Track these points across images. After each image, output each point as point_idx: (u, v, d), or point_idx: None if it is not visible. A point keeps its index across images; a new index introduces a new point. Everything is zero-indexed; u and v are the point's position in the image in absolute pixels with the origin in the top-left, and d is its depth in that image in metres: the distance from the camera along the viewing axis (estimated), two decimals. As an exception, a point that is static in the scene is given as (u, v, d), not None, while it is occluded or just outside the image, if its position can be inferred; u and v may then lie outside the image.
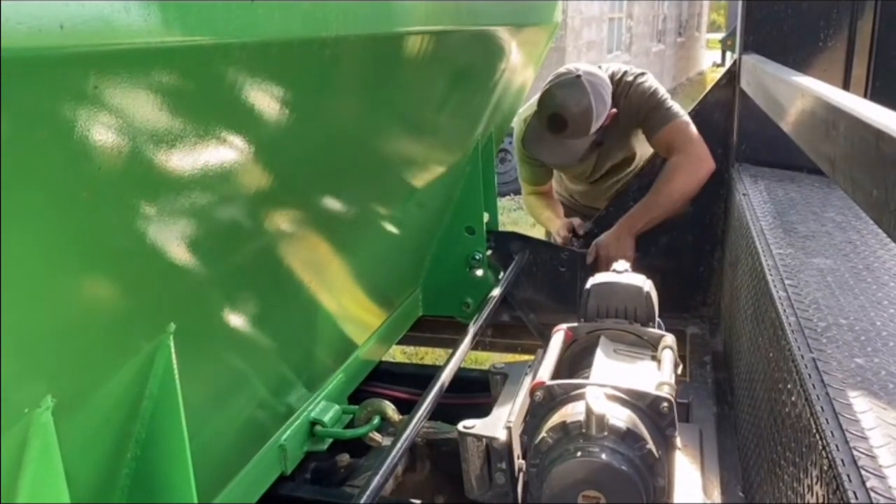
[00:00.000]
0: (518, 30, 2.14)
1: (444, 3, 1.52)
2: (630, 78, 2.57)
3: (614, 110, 2.51)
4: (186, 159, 0.87)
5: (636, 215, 2.51)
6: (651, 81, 2.57)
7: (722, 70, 2.70)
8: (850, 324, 1.18)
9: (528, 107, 2.73)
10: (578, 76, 2.44)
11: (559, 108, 2.44)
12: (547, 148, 2.55)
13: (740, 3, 2.45)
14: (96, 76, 0.66)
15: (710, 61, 25.82)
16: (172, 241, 0.92)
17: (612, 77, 2.57)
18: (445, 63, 1.72)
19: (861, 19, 2.25)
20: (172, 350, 0.94)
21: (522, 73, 2.44)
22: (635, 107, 2.54)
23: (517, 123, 2.76)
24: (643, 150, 2.70)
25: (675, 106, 2.51)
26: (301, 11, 0.93)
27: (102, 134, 0.71)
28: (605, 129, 2.54)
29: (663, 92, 2.55)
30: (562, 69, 2.54)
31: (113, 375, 0.89)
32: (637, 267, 1.62)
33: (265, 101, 0.99)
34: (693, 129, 2.45)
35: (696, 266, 2.60)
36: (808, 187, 2.11)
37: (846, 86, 2.26)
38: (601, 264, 2.42)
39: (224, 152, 0.95)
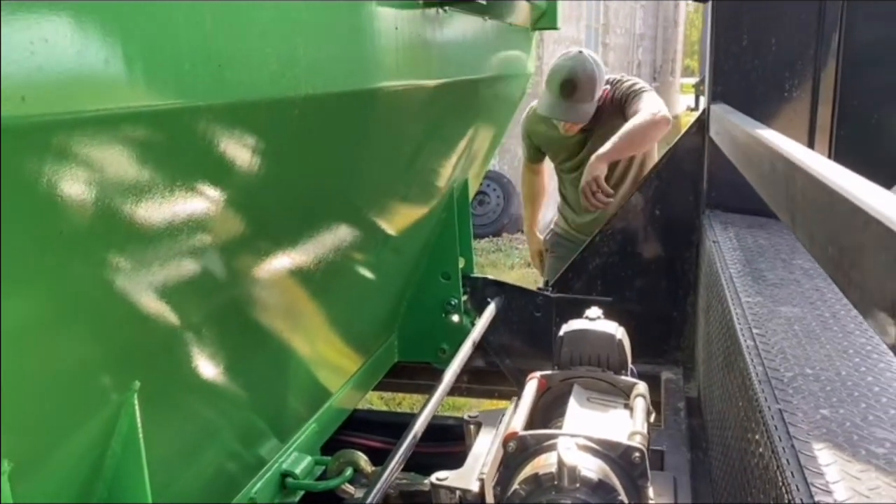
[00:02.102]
0: (492, 80, 2.18)
1: (416, 57, 1.54)
2: (623, 80, 3.05)
3: (607, 87, 2.97)
4: (153, 217, 0.87)
5: (605, 147, 2.78)
6: (638, 80, 3.05)
7: (696, 114, 2.86)
8: (815, 374, 1.19)
9: (531, 106, 3.20)
10: (580, 51, 2.98)
11: (570, 74, 2.88)
12: (559, 109, 2.97)
13: (707, 55, 2.51)
14: (59, 141, 0.66)
15: (684, 105, 26.33)
16: (138, 296, 0.92)
17: (608, 82, 3.02)
18: (419, 114, 1.74)
19: (824, 70, 2.32)
20: (137, 408, 0.93)
21: (497, 120, 2.48)
22: (620, 99, 2.96)
23: (524, 116, 3.24)
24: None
25: (651, 91, 2.96)
26: (269, 72, 0.94)
27: (67, 195, 0.71)
28: (596, 120, 2.94)
29: (644, 84, 3.00)
30: (563, 52, 3.06)
31: (74, 435, 0.88)
32: (611, 312, 1.63)
33: (235, 159, 1.00)
34: (659, 100, 2.91)
35: (670, 311, 2.62)
36: (778, 234, 2.14)
37: (811, 134, 2.32)
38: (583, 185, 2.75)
39: (193, 207, 0.96)
